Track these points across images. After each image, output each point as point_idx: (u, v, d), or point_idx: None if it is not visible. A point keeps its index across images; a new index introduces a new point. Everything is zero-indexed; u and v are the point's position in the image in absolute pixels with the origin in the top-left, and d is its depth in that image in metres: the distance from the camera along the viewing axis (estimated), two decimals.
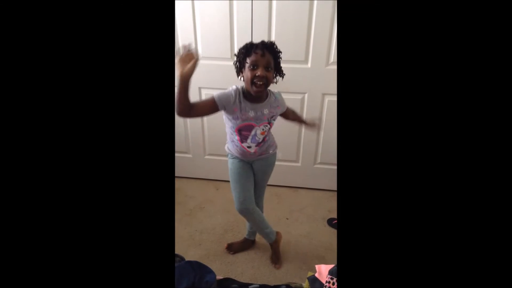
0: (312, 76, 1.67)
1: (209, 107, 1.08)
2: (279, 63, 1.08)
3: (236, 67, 1.08)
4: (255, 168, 1.31)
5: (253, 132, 1.16)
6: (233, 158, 1.30)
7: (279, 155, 1.36)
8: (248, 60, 1.02)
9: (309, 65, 1.65)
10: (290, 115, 1.30)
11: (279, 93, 1.21)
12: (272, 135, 1.27)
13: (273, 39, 1.61)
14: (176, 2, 1.58)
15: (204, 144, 1.99)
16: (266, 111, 1.13)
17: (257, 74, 1.01)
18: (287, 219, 1.79)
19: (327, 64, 1.64)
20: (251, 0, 1.53)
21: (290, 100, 1.74)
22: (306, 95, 1.74)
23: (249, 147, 1.19)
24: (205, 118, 1.90)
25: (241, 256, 1.53)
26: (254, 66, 1.01)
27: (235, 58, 1.08)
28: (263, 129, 1.16)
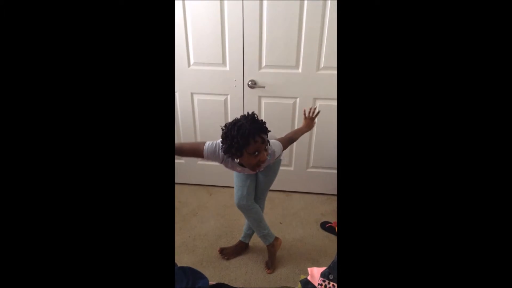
0: (303, 81, 1.69)
1: (196, 154, 1.12)
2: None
3: (228, 149, 1.02)
4: (259, 176, 1.35)
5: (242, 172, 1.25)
6: None
7: (283, 160, 1.37)
8: (248, 149, 0.98)
9: (300, 70, 1.67)
10: (287, 145, 1.27)
11: (272, 151, 1.14)
12: (274, 145, 1.23)
13: (264, 45, 1.63)
14: None
15: None
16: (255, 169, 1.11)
17: (261, 160, 1.01)
18: (281, 223, 1.79)
19: (318, 69, 1.66)
20: (241, 6, 1.55)
21: (282, 105, 1.76)
22: (297, 100, 1.75)
23: (244, 171, 1.25)
24: (198, 124, 1.90)
25: (235, 262, 1.53)
26: (256, 153, 1.00)
27: (224, 139, 1.02)
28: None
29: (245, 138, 0.96)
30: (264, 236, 1.44)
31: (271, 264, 1.47)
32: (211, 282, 1.13)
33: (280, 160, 1.34)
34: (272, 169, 1.33)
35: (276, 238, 1.49)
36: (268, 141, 1.06)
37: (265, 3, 1.54)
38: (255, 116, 1.02)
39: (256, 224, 1.41)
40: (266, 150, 1.02)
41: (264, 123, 1.02)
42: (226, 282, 1.34)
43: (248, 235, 1.56)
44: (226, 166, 1.17)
